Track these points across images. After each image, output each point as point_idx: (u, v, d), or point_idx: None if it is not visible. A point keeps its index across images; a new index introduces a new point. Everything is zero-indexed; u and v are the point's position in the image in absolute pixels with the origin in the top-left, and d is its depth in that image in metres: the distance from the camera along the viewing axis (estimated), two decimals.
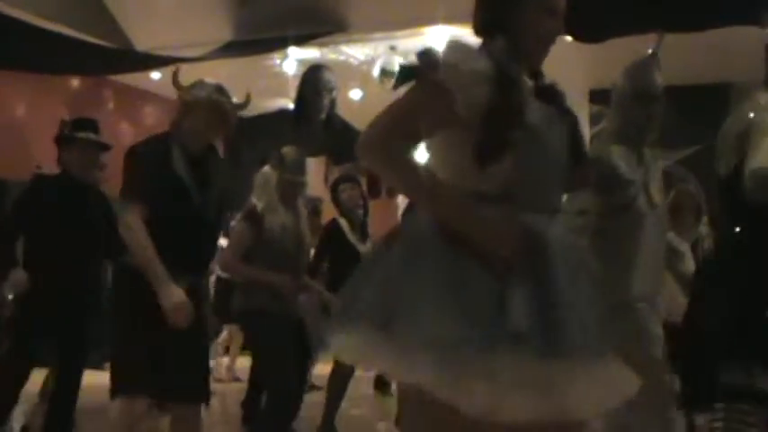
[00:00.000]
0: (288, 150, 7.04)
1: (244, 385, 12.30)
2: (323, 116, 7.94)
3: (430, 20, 11.39)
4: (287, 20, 10.83)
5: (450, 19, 11.20)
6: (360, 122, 8.49)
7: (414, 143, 3.33)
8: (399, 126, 3.25)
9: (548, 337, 3.00)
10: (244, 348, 13.16)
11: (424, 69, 3.17)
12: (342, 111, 8.31)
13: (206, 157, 5.70)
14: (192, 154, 5.58)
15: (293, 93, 8.23)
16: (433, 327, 2.95)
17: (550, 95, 3.37)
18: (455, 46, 3.27)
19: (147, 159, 5.55)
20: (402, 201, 11.76)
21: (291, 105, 8.34)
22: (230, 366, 13.83)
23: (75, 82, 15.08)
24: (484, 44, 3.33)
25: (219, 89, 5.71)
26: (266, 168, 7.16)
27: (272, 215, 6.92)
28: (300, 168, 7.05)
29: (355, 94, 14.21)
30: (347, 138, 8.15)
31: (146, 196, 5.39)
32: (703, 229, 9.07)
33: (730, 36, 10.23)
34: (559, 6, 3.39)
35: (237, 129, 6.04)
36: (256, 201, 7.03)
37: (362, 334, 3.11)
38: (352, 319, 3.15)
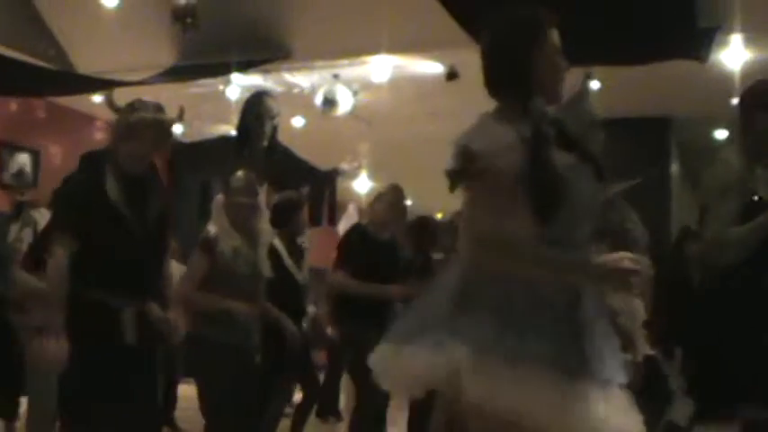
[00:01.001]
0: (237, 174, 6.95)
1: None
2: (265, 143, 7.91)
3: (373, 49, 11.43)
4: (231, 46, 10.81)
5: (393, 49, 11.26)
6: (302, 149, 8.56)
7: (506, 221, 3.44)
8: (490, 221, 3.37)
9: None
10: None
11: (465, 165, 3.29)
12: (284, 138, 8.30)
13: (145, 179, 5.56)
14: (130, 176, 5.44)
15: (236, 119, 8.20)
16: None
17: (566, 135, 3.50)
18: (481, 130, 3.39)
19: (79, 188, 5.48)
20: (343, 228, 11.72)
21: (234, 131, 8.31)
22: None
23: (12, 105, 14.90)
24: (506, 106, 3.46)
25: (159, 107, 5.61)
26: (220, 195, 7.04)
27: (224, 240, 6.73)
28: (250, 191, 6.89)
29: (297, 121, 14.16)
30: (289, 164, 8.15)
31: (78, 227, 5.27)
32: (643, 260, 9.11)
33: (671, 70, 10.35)
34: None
35: (179, 154, 5.99)
36: (210, 227, 6.87)
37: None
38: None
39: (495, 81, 3.52)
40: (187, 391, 11.23)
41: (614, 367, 3.41)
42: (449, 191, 3.38)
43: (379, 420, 7.95)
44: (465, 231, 3.49)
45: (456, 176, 3.35)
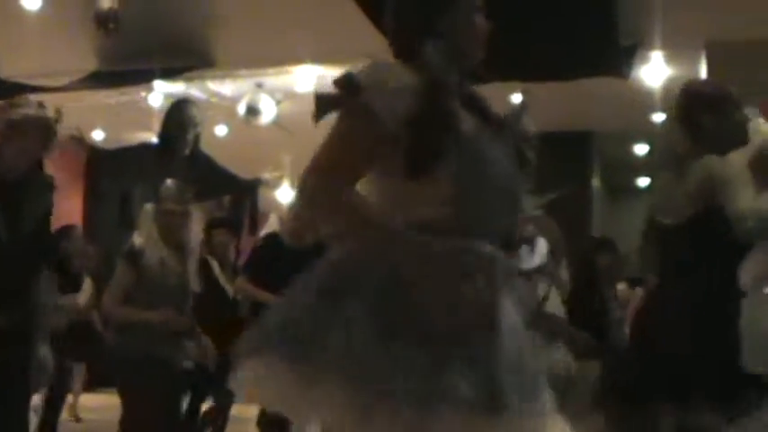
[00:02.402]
0: (168, 183, 6.78)
1: (87, 426, 12.04)
2: (187, 151, 7.83)
3: (297, 59, 11.42)
4: (154, 53, 10.74)
5: (317, 58, 11.25)
6: (224, 159, 8.48)
7: (355, 178, 3.00)
8: (337, 166, 2.93)
9: (486, 395, 2.79)
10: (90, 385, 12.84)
11: (344, 95, 2.89)
12: (206, 147, 8.23)
13: (25, 181, 5.28)
14: (7, 179, 5.18)
15: (158, 126, 8.12)
16: (361, 375, 2.76)
17: (480, 106, 3.16)
18: (375, 67, 3.00)
19: None
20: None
21: (155, 139, 8.23)
22: (73, 405, 12.59)
23: None
24: (409, 58, 3.06)
25: (42, 105, 5.43)
26: (149, 204, 6.79)
27: (151, 250, 6.54)
28: (180, 199, 6.70)
29: (220, 130, 14.11)
30: (211, 174, 8.08)
31: None
32: (564, 273, 9.18)
33: (593, 86, 10.46)
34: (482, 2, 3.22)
35: (98, 161, 5.88)
36: (136, 238, 6.65)
37: (268, 364, 2.90)
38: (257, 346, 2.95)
39: (400, 40, 3.18)
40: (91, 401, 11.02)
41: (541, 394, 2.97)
42: (313, 119, 2.96)
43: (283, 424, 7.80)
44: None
45: (328, 104, 2.95)
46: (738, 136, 5.05)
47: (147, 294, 6.50)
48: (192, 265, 6.93)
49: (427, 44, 3.03)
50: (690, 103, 5.12)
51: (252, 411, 8.39)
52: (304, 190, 3.01)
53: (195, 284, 6.91)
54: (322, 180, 2.93)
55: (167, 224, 6.65)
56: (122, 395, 6.55)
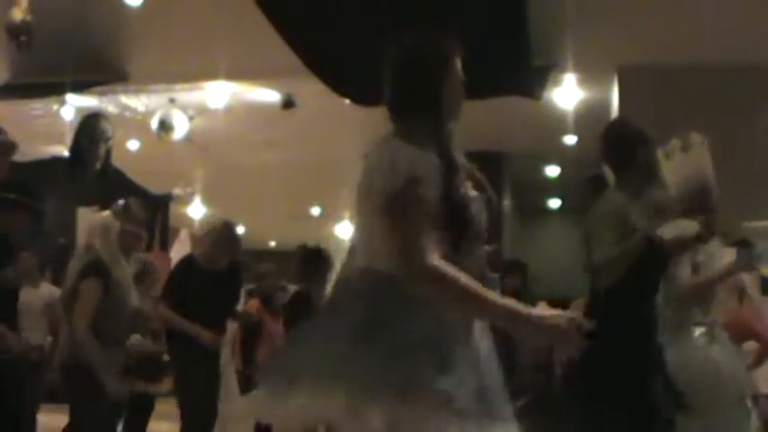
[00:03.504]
0: (133, 201, 6.66)
1: None
2: (98, 165, 7.80)
3: (210, 75, 11.40)
4: (66, 66, 10.67)
5: (230, 75, 11.25)
6: (136, 173, 8.49)
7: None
8: (424, 238, 3.16)
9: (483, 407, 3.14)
10: None
11: (406, 187, 3.18)
12: (118, 161, 8.22)
13: None
14: None
15: (69, 140, 8.08)
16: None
17: (464, 168, 3.55)
18: (413, 155, 3.24)
19: None
20: (175, 253, 11.66)
21: (66, 153, 8.19)
22: None
23: None
24: (412, 128, 3.38)
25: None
26: (106, 214, 6.68)
27: (116, 267, 6.42)
28: (143, 223, 6.70)
29: (132, 144, 14.01)
30: (121, 187, 8.06)
31: None
32: None
33: (505, 106, 10.57)
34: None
35: (10, 174, 5.84)
36: (100, 249, 6.44)
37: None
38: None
39: (404, 103, 3.47)
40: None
41: (506, 402, 3.31)
42: (382, 213, 3.20)
43: None
44: (399, 257, 3.21)
45: (395, 200, 3.15)
46: (658, 171, 5.43)
47: (115, 310, 6.38)
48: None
49: (445, 126, 3.47)
50: (625, 135, 5.31)
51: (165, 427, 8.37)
52: (414, 274, 3.17)
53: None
54: (422, 258, 3.14)
55: (127, 244, 6.58)
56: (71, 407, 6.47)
